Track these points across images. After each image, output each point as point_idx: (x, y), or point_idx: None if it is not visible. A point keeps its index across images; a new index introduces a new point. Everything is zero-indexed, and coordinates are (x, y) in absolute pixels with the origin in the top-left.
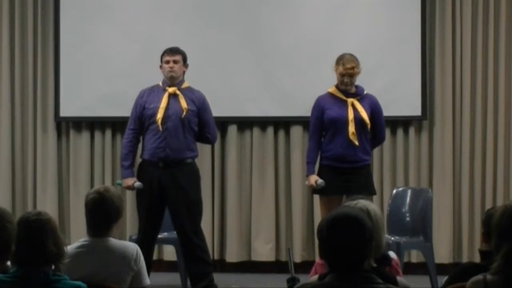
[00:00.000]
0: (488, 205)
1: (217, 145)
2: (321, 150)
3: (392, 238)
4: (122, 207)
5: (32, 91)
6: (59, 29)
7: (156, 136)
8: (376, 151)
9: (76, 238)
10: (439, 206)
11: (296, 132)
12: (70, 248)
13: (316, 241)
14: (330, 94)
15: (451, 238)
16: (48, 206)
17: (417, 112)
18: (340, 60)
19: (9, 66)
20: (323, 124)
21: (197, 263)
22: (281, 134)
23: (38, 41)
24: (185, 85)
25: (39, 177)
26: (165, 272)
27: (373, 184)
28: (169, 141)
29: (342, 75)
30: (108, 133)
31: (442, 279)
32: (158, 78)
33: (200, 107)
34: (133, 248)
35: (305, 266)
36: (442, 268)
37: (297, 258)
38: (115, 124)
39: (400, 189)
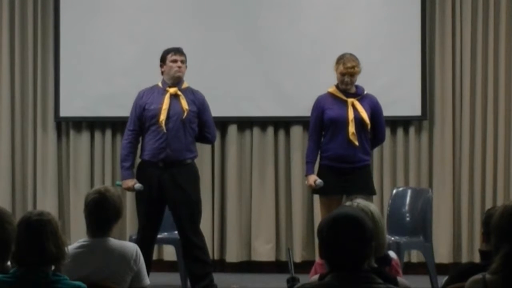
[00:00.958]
0: (488, 205)
1: (217, 145)
2: (321, 150)
3: (392, 238)
4: (122, 207)
5: (32, 91)
6: (59, 29)
7: (157, 137)
8: (376, 151)
9: (76, 238)
10: (439, 206)
11: (296, 132)
12: (70, 248)
13: (316, 241)
14: (330, 94)
15: (451, 238)
16: (48, 206)
17: (417, 112)
18: (341, 59)
19: (9, 66)
20: (323, 124)
21: (197, 263)
22: (281, 134)
23: (38, 41)
24: (184, 85)
25: (39, 177)
26: (165, 272)
27: (373, 185)
28: (170, 142)
29: (342, 75)
30: (108, 133)
31: (442, 279)
32: (158, 78)
33: (200, 107)
34: (133, 248)
35: (305, 266)
36: (442, 268)
37: (297, 258)
38: (115, 124)
39: (400, 189)
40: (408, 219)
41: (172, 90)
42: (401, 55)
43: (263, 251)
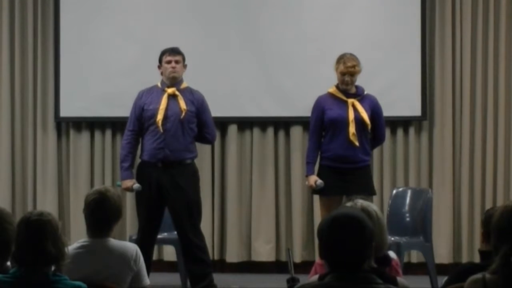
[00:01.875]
0: (488, 205)
1: (217, 145)
2: (321, 151)
3: (392, 238)
4: (122, 207)
5: (32, 91)
6: (59, 29)
7: (155, 137)
8: (376, 151)
9: (76, 238)
10: (439, 206)
11: (296, 132)
12: (70, 248)
13: (316, 241)
14: (331, 94)
15: (451, 238)
16: (48, 206)
17: (417, 112)
18: (341, 59)
19: (9, 66)
20: (323, 124)
21: (197, 264)
22: (281, 134)
23: (38, 41)
24: (184, 85)
25: (39, 177)
26: (165, 272)
27: (373, 185)
28: (168, 142)
29: (343, 74)
30: (108, 133)
31: (442, 279)
32: (158, 78)
33: (199, 107)
34: (133, 248)
35: (305, 266)
36: (442, 268)
37: (297, 258)
38: (115, 124)
39: (400, 189)
40: (408, 219)
41: (170, 90)
42: (401, 55)
43: (263, 251)
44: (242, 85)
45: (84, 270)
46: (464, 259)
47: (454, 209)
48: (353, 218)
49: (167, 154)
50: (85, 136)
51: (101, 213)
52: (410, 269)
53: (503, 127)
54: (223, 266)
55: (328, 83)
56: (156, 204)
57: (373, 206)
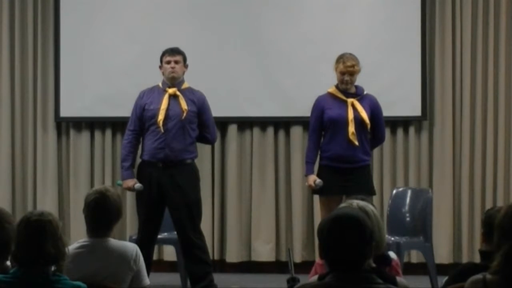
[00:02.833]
0: (488, 205)
1: (217, 145)
2: (321, 150)
3: (392, 238)
4: (122, 207)
5: (32, 91)
6: (59, 29)
7: (156, 137)
8: (376, 151)
9: (76, 238)
10: (439, 206)
11: (296, 132)
12: (70, 248)
13: (316, 241)
14: (330, 94)
15: (451, 238)
16: (48, 206)
17: (417, 112)
18: (340, 58)
19: (9, 66)
20: (322, 124)
21: (197, 263)
22: (281, 134)
23: (38, 41)
24: (185, 85)
25: (39, 177)
26: (165, 272)
27: (372, 185)
28: (169, 142)
29: (342, 73)
30: (108, 133)
31: (442, 279)
32: (158, 78)
33: (200, 107)
34: (133, 248)
35: (305, 266)
36: (442, 268)
37: (297, 258)
38: (115, 124)
39: (400, 189)
40: (408, 219)
41: (171, 90)
42: (401, 55)
43: (263, 251)
44: (242, 85)
45: (84, 270)
46: (464, 259)
47: (454, 209)
48: (353, 218)
49: (167, 154)
50: (85, 136)
51: (101, 213)
52: (410, 269)
53: (503, 127)
54: (223, 266)
55: (328, 83)
56: (156, 204)
57: (369, 205)
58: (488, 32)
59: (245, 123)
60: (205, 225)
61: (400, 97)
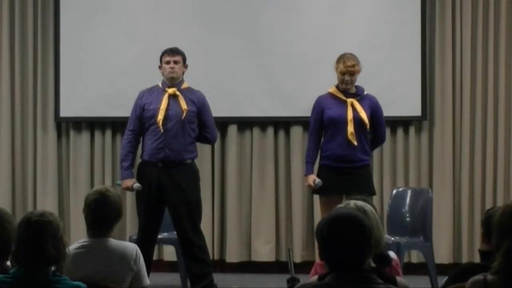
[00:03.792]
0: (488, 205)
1: (217, 145)
2: (321, 150)
3: (392, 238)
4: (122, 207)
5: (32, 91)
6: (59, 29)
7: (156, 137)
8: (376, 151)
9: (76, 238)
10: (439, 206)
11: (296, 132)
12: (70, 248)
13: (316, 241)
14: (330, 94)
15: (451, 238)
16: (48, 206)
17: (417, 112)
18: (341, 58)
19: (9, 66)
20: (322, 124)
21: (197, 263)
22: (281, 134)
23: (38, 41)
24: (184, 85)
25: (39, 177)
26: (165, 272)
27: (373, 185)
28: (168, 142)
29: (342, 73)
30: (108, 133)
31: (442, 279)
32: (158, 78)
33: (200, 107)
34: (133, 248)
35: (305, 266)
36: (442, 268)
37: (297, 258)
38: (115, 124)
39: (400, 189)
40: (408, 219)
41: (171, 90)
42: (401, 55)
43: (263, 251)
44: (242, 85)
45: (84, 270)
46: (464, 259)
47: (454, 209)
48: (351, 217)
49: (167, 154)
50: (85, 136)
51: (101, 213)
52: (410, 269)
53: (503, 127)
54: (223, 266)
55: (328, 83)
56: (156, 204)
57: (368, 205)
58: (488, 32)
59: (245, 123)
60: (205, 225)
61: (400, 97)
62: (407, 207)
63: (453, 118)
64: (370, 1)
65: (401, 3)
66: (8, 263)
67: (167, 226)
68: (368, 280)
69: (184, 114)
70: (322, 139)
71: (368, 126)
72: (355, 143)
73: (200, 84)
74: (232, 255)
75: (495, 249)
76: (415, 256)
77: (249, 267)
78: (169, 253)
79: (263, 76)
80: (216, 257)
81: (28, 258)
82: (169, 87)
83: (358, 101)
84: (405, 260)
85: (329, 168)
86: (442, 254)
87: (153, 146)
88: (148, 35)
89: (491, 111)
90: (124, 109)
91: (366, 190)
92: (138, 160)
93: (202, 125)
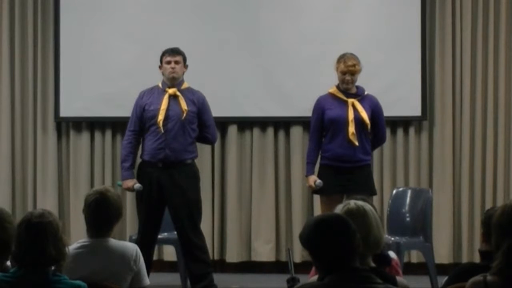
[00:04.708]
0: (488, 205)
1: (217, 145)
2: (321, 150)
3: (392, 238)
4: (122, 207)
5: (32, 91)
6: (59, 29)
7: (156, 137)
8: (376, 151)
9: (76, 238)
10: (439, 206)
11: (296, 132)
12: (70, 248)
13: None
14: (331, 94)
15: (451, 238)
16: (48, 206)
17: (417, 112)
18: (341, 58)
19: (9, 66)
20: (323, 124)
21: (197, 264)
22: (281, 134)
23: (38, 41)
24: (185, 85)
25: (39, 177)
26: (165, 272)
27: (373, 184)
28: (169, 142)
29: (343, 73)
30: (108, 133)
31: (442, 279)
32: (158, 78)
33: (200, 107)
34: (133, 248)
35: (305, 266)
36: (442, 268)
37: (297, 258)
38: (115, 124)
39: (400, 189)
40: (408, 219)
41: (171, 90)
42: (401, 55)
43: (263, 251)
44: (242, 85)
45: (84, 270)
46: (464, 259)
47: (454, 209)
48: (326, 220)
49: (167, 154)
50: (85, 136)
51: (101, 213)
52: (410, 269)
53: (503, 127)
54: (223, 266)
55: (328, 83)
56: (156, 204)
57: (368, 204)
58: (488, 32)
59: (245, 123)
60: (205, 225)
61: (400, 97)
62: (407, 207)
63: (453, 118)
64: (370, 1)
65: (401, 3)
66: (8, 263)
67: (167, 226)
68: (368, 280)
69: (185, 115)
70: (323, 140)
71: (369, 127)
72: (356, 143)
73: (200, 84)
74: (232, 255)
75: (495, 249)
76: (415, 256)
77: (249, 267)
78: (169, 253)
79: (263, 76)
80: (216, 257)
81: (28, 259)
82: (169, 87)
83: (359, 101)
84: (405, 260)
85: (330, 168)
86: (442, 254)
87: (153, 147)
88: (148, 35)
89: (491, 111)
90: (124, 109)
91: (366, 190)
92: (139, 160)
93: (202, 125)
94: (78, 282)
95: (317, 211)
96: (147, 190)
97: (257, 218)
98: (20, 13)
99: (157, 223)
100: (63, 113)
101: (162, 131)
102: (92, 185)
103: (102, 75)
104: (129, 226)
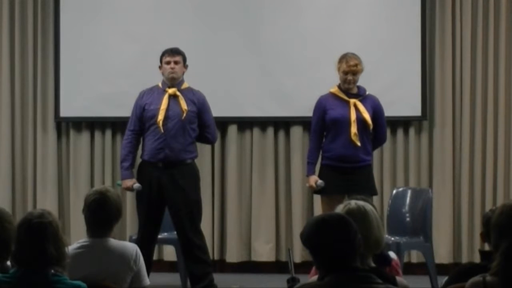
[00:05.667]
0: (488, 205)
1: (217, 145)
2: (323, 150)
3: (392, 238)
4: (122, 207)
5: (32, 91)
6: (59, 29)
7: (156, 137)
8: (376, 151)
9: (76, 238)
10: (439, 206)
11: (296, 132)
12: (70, 248)
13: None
14: (332, 94)
15: (451, 238)
16: (48, 206)
17: (417, 112)
18: (343, 58)
19: (9, 66)
20: (324, 124)
21: (197, 264)
22: (281, 134)
23: (38, 41)
24: (185, 85)
25: (39, 177)
26: (165, 272)
27: (374, 185)
28: (169, 142)
29: (345, 73)
30: (108, 133)
31: (442, 279)
32: (158, 78)
33: (200, 107)
34: (133, 248)
35: (305, 266)
36: (442, 268)
37: (297, 258)
38: (115, 124)
39: (400, 189)
40: (408, 219)
41: (171, 90)
42: (401, 55)
43: (263, 251)
44: (242, 85)
45: (84, 270)
46: (464, 259)
47: (454, 209)
48: (327, 219)
49: (167, 154)
50: (85, 136)
51: (101, 213)
52: (410, 269)
53: (503, 127)
54: (223, 266)
55: (328, 83)
56: (156, 204)
57: (368, 204)
58: (488, 32)
59: (245, 123)
60: (205, 225)
61: (400, 97)
62: (407, 207)
63: (453, 118)
64: (370, 1)
65: (401, 3)
66: (8, 263)
67: (167, 226)
68: (367, 280)
69: (184, 115)
70: (324, 140)
71: (371, 127)
72: (358, 143)
73: (200, 84)
74: (232, 255)
75: (494, 249)
76: (415, 256)
77: (249, 267)
78: (169, 253)
79: (263, 76)
80: (216, 257)
81: (29, 259)
82: (169, 87)
83: (361, 101)
84: (405, 260)
85: (331, 168)
86: (442, 254)
87: (153, 146)
88: (148, 35)
89: (491, 111)
90: (124, 109)
91: (368, 190)
92: (138, 160)
93: (202, 125)
94: (78, 282)
95: (317, 211)
96: (147, 190)
97: (257, 218)
98: (20, 13)
99: (157, 223)
100: (63, 113)
101: (162, 131)
102: (92, 185)
103: (102, 75)
104: (129, 226)
